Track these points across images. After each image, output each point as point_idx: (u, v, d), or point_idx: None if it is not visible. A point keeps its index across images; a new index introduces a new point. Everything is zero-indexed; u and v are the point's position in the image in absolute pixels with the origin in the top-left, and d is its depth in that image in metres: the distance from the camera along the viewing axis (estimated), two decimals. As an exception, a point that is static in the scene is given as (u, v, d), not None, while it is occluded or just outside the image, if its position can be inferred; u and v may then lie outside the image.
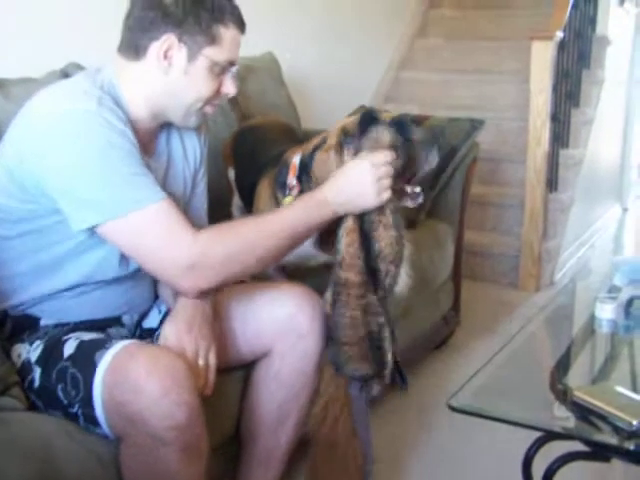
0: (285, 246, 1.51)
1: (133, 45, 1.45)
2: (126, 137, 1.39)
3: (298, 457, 1.77)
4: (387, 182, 1.54)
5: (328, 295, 1.59)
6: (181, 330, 1.45)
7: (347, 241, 1.55)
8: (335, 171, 1.58)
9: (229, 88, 1.52)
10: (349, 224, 1.55)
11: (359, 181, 1.52)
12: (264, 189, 1.95)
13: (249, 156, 2.23)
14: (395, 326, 1.65)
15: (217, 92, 1.51)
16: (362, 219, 1.55)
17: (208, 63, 1.45)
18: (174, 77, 1.45)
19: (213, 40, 1.44)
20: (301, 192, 1.77)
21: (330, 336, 1.59)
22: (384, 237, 1.54)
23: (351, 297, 1.54)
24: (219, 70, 1.47)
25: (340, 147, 1.66)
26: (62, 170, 1.35)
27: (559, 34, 3.53)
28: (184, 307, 1.49)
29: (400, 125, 1.63)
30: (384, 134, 1.61)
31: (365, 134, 1.62)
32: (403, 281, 1.59)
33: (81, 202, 1.36)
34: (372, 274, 1.55)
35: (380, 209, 1.55)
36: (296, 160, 1.82)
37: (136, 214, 1.36)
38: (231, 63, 1.49)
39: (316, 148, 1.76)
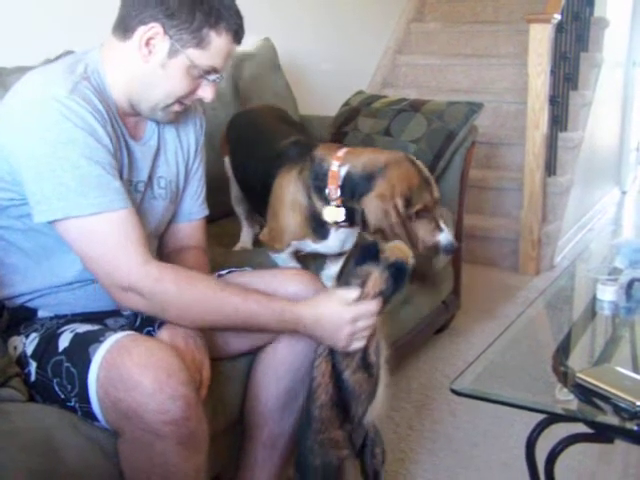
0: (230, 327, 1.49)
1: (123, 23, 1.42)
2: (93, 133, 1.36)
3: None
4: (363, 334, 1.47)
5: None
6: (178, 341, 1.43)
7: (320, 370, 1.51)
8: (326, 302, 1.48)
9: (206, 93, 1.48)
10: (323, 354, 1.51)
11: (334, 328, 1.45)
12: (291, 183, 1.90)
13: (245, 143, 2.21)
14: (375, 448, 1.61)
15: (191, 93, 1.48)
16: (333, 355, 1.50)
17: (188, 64, 1.42)
18: (151, 67, 1.43)
19: (200, 43, 1.40)
20: (343, 206, 1.79)
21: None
22: (352, 378, 1.50)
23: (312, 431, 1.52)
24: (198, 73, 1.44)
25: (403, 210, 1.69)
26: (25, 160, 1.33)
27: (557, 16, 3.51)
28: None
29: (398, 272, 1.49)
30: (377, 280, 1.47)
31: (358, 267, 1.50)
32: (375, 413, 1.56)
33: (39, 195, 1.34)
34: (343, 406, 1.51)
35: (348, 354, 1.49)
36: (336, 169, 1.80)
37: (89, 219, 1.34)
38: (214, 70, 1.45)
39: (371, 175, 1.74)
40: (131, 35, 1.42)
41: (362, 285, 1.48)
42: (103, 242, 1.36)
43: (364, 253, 1.52)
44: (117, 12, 1.45)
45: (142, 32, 1.40)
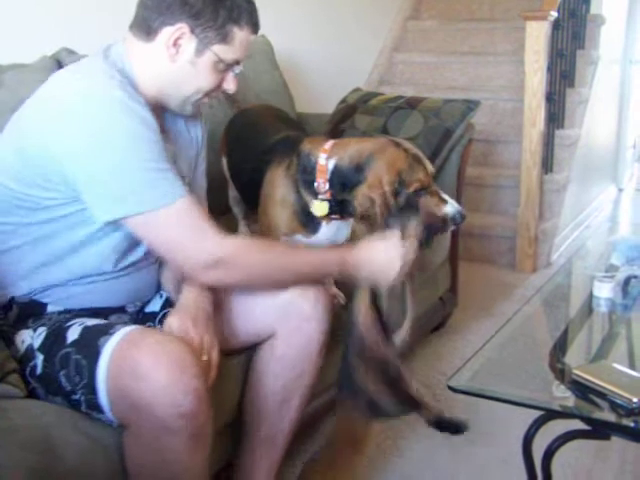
0: (299, 280, 1.60)
1: (145, 25, 1.44)
2: (150, 126, 1.38)
3: (301, 438, 1.78)
4: (405, 271, 1.61)
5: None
6: (187, 324, 1.44)
7: (361, 296, 1.64)
8: (373, 245, 1.62)
9: (230, 85, 1.53)
10: (363, 291, 1.64)
11: (386, 267, 1.59)
12: (279, 178, 1.90)
13: (240, 141, 2.21)
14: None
15: (217, 86, 1.51)
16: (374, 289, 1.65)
17: (214, 59, 1.45)
18: (179, 66, 1.45)
19: (224, 38, 1.44)
20: (333, 199, 1.78)
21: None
22: (391, 307, 1.65)
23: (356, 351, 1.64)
24: (224, 67, 1.48)
25: (395, 195, 1.70)
26: (86, 157, 1.33)
27: (553, 13, 3.51)
28: (187, 303, 1.50)
29: (429, 227, 1.68)
30: (416, 227, 1.65)
31: (396, 217, 1.66)
32: (399, 338, 1.69)
33: (106, 193, 1.35)
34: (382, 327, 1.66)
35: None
36: (324, 162, 1.79)
37: (162, 210, 1.38)
38: (237, 62, 1.50)
39: (358, 167, 1.73)
40: (155, 36, 1.43)
41: (402, 230, 1.63)
42: (180, 229, 1.41)
43: (405, 206, 1.67)
44: (134, 13, 1.46)
45: (169, 33, 1.42)
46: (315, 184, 1.79)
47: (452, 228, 1.81)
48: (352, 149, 1.78)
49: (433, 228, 1.69)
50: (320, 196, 1.79)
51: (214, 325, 1.51)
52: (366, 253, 1.60)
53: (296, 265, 1.56)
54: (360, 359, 1.62)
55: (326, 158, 1.79)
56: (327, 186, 1.78)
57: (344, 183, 1.75)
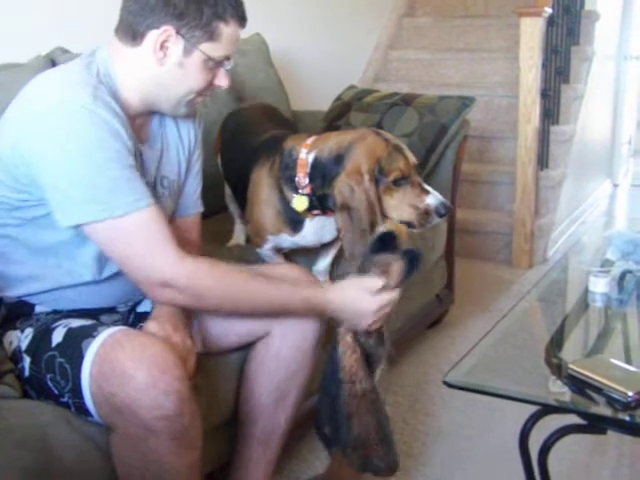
0: (263, 313, 1.57)
1: (131, 30, 1.42)
2: (118, 137, 1.37)
3: (296, 436, 1.78)
4: (383, 318, 1.57)
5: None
6: (167, 329, 1.43)
7: (342, 338, 1.59)
8: (350, 290, 1.55)
9: (222, 81, 1.50)
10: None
11: (360, 315, 1.54)
12: (263, 178, 1.90)
13: (232, 141, 2.22)
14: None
15: (209, 84, 1.49)
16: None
17: (203, 58, 1.43)
18: (168, 68, 1.43)
19: (211, 36, 1.42)
20: (313, 193, 1.76)
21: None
22: (369, 345, 1.60)
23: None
24: (213, 64, 1.46)
25: (375, 180, 1.67)
26: (50, 164, 1.33)
27: (548, 10, 3.52)
28: (164, 309, 1.48)
29: (413, 258, 1.57)
30: (396, 269, 1.56)
31: (376, 255, 1.58)
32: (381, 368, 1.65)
33: (66, 199, 1.34)
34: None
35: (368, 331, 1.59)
36: (304, 156, 1.78)
37: (120, 220, 1.35)
38: (227, 58, 1.48)
39: (338, 157, 1.71)
40: (141, 41, 1.41)
41: (382, 274, 1.55)
42: (136, 241, 1.38)
43: (383, 239, 1.59)
44: (118, 17, 1.44)
45: (154, 36, 1.40)
46: (296, 179, 1.79)
47: (436, 221, 1.74)
48: (332, 141, 1.77)
49: (414, 254, 1.58)
50: (300, 191, 1.78)
51: (206, 328, 1.52)
52: (339, 299, 1.54)
53: (253, 300, 1.48)
54: (350, 405, 1.57)
55: (307, 152, 1.78)
56: (307, 180, 1.77)
57: (324, 175, 1.74)
